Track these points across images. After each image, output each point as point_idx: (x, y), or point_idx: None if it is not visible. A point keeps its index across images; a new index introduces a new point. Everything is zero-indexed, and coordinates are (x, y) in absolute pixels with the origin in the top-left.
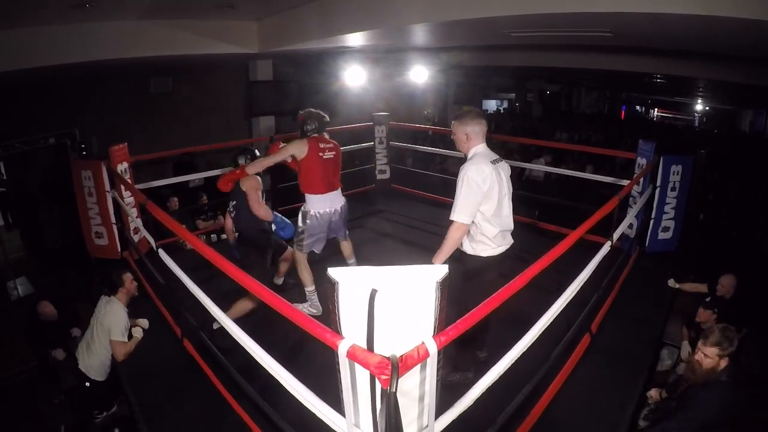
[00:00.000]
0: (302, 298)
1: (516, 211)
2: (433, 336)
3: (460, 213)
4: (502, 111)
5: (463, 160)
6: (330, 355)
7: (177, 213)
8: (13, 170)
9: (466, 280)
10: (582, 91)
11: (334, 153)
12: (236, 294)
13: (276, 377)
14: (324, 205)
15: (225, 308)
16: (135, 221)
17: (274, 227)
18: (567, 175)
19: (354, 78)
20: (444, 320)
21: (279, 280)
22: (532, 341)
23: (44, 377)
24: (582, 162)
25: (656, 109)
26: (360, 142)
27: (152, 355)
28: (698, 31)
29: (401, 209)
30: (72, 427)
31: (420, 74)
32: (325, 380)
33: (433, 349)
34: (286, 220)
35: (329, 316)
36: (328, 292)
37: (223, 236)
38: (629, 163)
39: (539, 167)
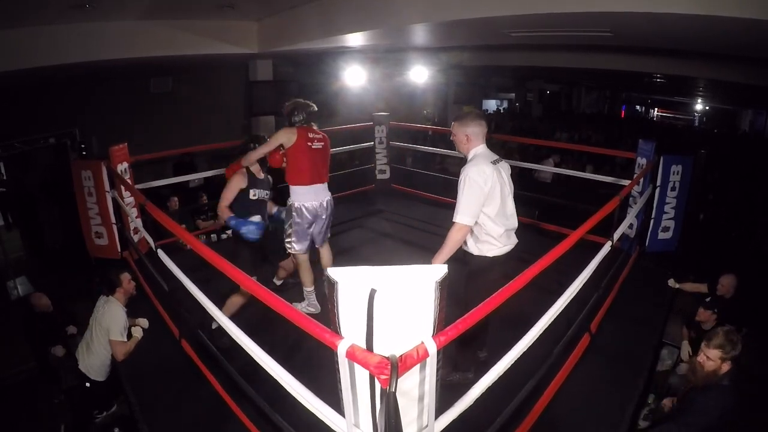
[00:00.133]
0: (302, 298)
1: (516, 211)
2: (433, 336)
3: (462, 214)
4: (502, 111)
5: (463, 161)
6: (329, 355)
7: (177, 213)
8: (13, 170)
9: (471, 280)
10: (582, 90)
11: (322, 144)
12: (235, 293)
13: (275, 377)
14: (310, 197)
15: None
16: (135, 221)
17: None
18: (567, 175)
19: (354, 78)
20: (443, 320)
21: (278, 281)
22: (532, 341)
23: (44, 377)
24: (582, 162)
25: (656, 109)
26: (360, 142)
27: (152, 355)
28: (698, 31)
29: (401, 209)
30: (72, 427)
31: (420, 74)
32: (325, 380)
33: (432, 349)
34: (254, 222)
35: (329, 316)
36: (327, 292)
37: (223, 236)
38: (629, 163)
39: (548, 168)
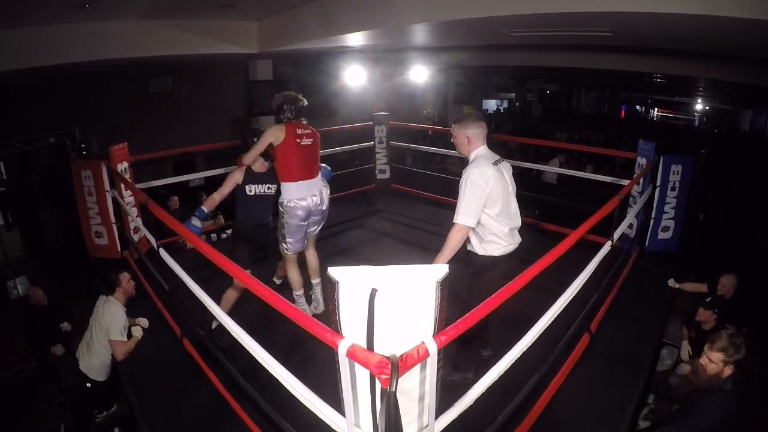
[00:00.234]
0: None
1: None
2: (433, 336)
3: (463, 215)
4: (502, 111)
5: (463, 161)
6: (330, 354)
7: (177, 212)
8: (13, 170)
9: (475, 279)
10: (582, 90)
11: (311, 140)
12: None
13: (276, 376)
14: (301, 192)
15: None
16: (135, 221)
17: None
18: (568, 175)
19: (354, 78)
20: (444, 320)
21: (278, 280)
22: (532, 341)
23: (44, 377)
24: (582, 162)
25: (656, 109)
26: (360, 142)
27: (152, 354)
28: (698, 31)
29: (401, 209)
30: (72, 427)
31: (420, 74)
32: (325, 380)
33: (432, 348)
34: (193, 226)
35: (329, 316)
36: (328, 291)
37: (223, 236)
38: (629, 162)
39: (549, 168)
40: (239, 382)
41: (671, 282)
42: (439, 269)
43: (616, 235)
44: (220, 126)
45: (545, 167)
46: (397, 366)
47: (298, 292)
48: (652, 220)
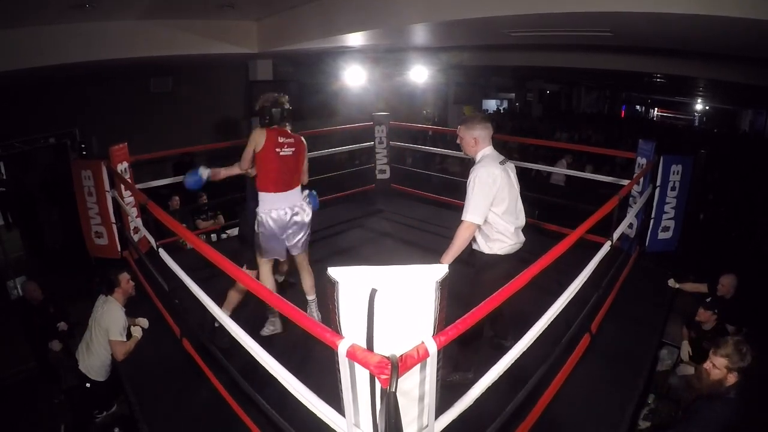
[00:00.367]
0: (303, 298)
1: None
2: (433, 336)
3: (471, 213)
4: (502, 111)
5: (464, 161)
6: (330, 354)
7: (177, 212)
8: (13, 170)
9: (479, 277)
10: (582, 90)
11: (293, 150)
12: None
13: (276, 377)
14: (276, 204)
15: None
16: (135, 221)
17: None
18: (568, 175)
19: (354, 78)
20: (444, 320)
21: (280, 278)
22: (532, 341)
23: (44, 377)
24: (582, 162)
25: (656, 109)
26: (360, 142)
27: (152, 354)
28: (698, 31)
29: (401, 209)
30: (72, 427)
31: (420, 74)
32: (325, 380)
33: (432, 348)
34: (193, 174)
35: (329, 316)
36: (328, 291)
37: (223, 236)
38: (629, 162)
39: (553, 169)
40: (239, 383)
41: (671, 282)
42: (439, 269)
43: (616, 235)
44: (220, 126)
45: (552, 168)
46: (396, 366)
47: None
48: (652, 220)
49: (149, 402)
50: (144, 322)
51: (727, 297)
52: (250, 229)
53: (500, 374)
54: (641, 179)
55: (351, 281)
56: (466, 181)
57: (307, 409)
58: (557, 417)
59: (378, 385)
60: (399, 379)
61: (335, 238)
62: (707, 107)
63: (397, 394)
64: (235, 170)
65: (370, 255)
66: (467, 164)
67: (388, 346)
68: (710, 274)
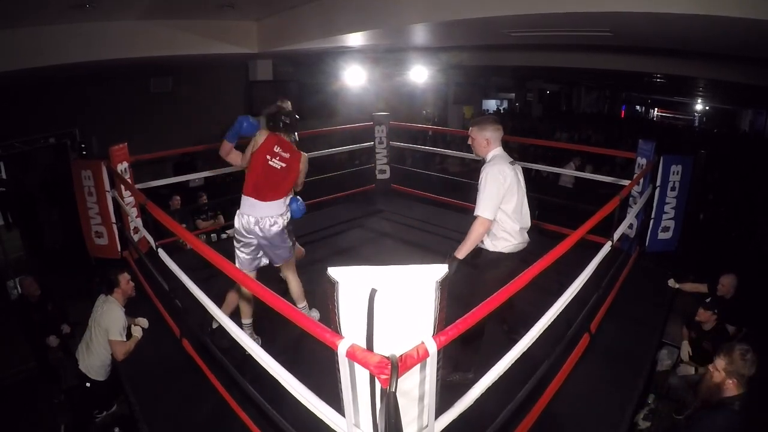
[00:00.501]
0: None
1: None
2: (433, 336)
3: (484, 209)
4: (502, 111)
5: (463, 160)
6: (330, 354)
7: (178, 213)
8: (13, 170)
9: (481, 275)
10: (582, 90)
11: (285, 164)
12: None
13: (275, 377)
14: (246, 209)
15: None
16: (135, 221)
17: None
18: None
19: (354, 78)
20: (444, 320)
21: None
22: (532, 341)
23: (44, 377)
24: (582, 162)
25: (656, 109)
26: (360, 142)
27: (152, 354)
28: (698, 31)
29: (401, 209)
30: (72, 427)
31: (420, 74)
32: (325, 380)
33: (432, 348)
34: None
35: (329, 316)
36: (327, 291)
37: (223, 236)
38: (629, 163)
39: (561, 171)
40: (239, 382)
41: (671, 282)
42: (439, 269)
43: (616, 235)
44: (220, 126)
45: (552, 168)
46: (396, 366)
47: (246, 321)
48: (652, 221)
49: (149, 402)
50: (144, 322)
51: (727, 297)
52: None
53: (500, 374)
54: (641, 179)
55: (351, 281)
56: (465, 181)
57: (307, 409)
58: (557, 417)
59: (378, 385)
60: (399, 379)
61: (335, 238)
62: (707, 107)
63: (397, 394)
64: (237, 159)
65: (370, 255)
66: (467, 164)
67: (388, 346)
68: (710, 274)
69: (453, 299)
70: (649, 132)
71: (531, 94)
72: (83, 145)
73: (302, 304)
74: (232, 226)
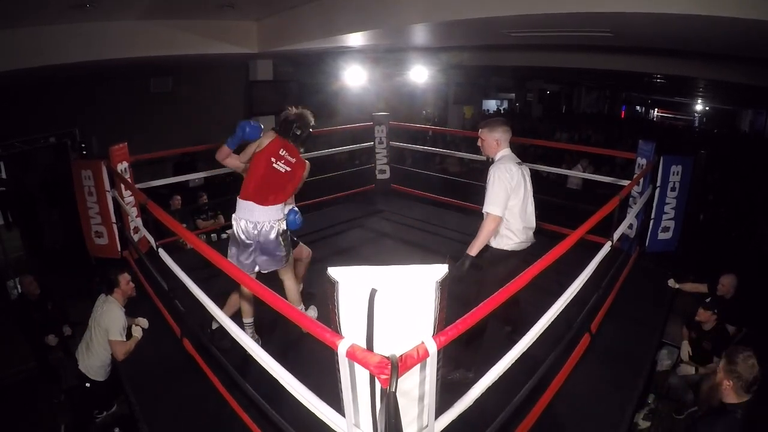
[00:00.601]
0: (307, 299)
1: None
2: (433, 336)
3: (492, 205)
4: (502, 111)
5: (463, 160)
6: (330, 354)
7: (178, 212)
8: (13, 170)
9: (483, 272)
10: (582, 91)
11: (289, 169)
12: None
13: (276, 377)
14: (244, 214)
15: (223, 307)
16: (135, 221)
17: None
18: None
19: (354, 78)
20: (444, 320)
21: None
22: (532, 341)
23: (44, 377)
24: (590, 164)
25: (656, 109)
26: (360, 142)
27: (152, 354)
28: (698, 31)
29: (401, 209)
30: (72, 427)
31: (420, 74)
32: (325, 380)
33: (432, 348)
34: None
35: (329, 316)
36: (327, 291)
37: (223, 236)
38: (629, 163)
39: (576, 174)
40: (239, 382)
41: (671, 282)
42: (439, 269)
43: (616, 235)
44: (220, 126)
45: (551, 169)
46: (396, 366)
47: (247, 320)
48: (652, 221)
49: (149, 402)
50: (144, 322)
51: (727, 297)
52: None
53: (500, 374)
54: (641, 180)
55: (351, 281)
56: (465, 182)
57: (307, 409)
58: (557, 417)
59: (378, 385)
60: (399, 379)
61: (335, 238)
62: (707, 107)
63: (397, 394)
64: (235, 162)
65: (370, 255)
66: (467, 164)
67: (388, 346)
68: (710, 274)
69: (452, 299)
70: (649, 132)
71: (531, 94)
72: (83, 145)
73: (298, 307)
74: (231, 226)
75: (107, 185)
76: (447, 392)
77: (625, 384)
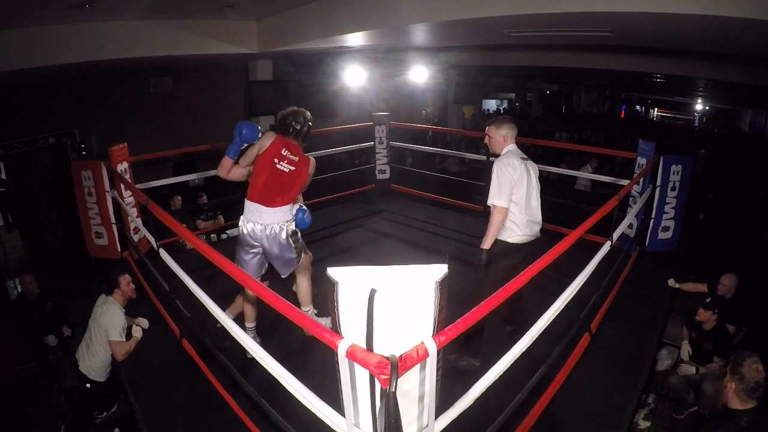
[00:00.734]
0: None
1: None
2: (433, 336)
3: (497, 198)
4: (501, 111)
5: (463, 160)
6: (329, 354)
7: (178, 212)
8: (13, 170)
9: (486, 265)
10: (582, 90)
11: (293, 168)
12: (236, 293)
13: (276, 377)
14: (252, 216)
15: (225, 308)
16: (135, 221)
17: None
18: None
19: (354, 78)
20: (444, 320)
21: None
22: (532, 341)
23: (44, 377)
24: (582, 162)
25: (656, 109)
26: (360, 142)
27: (152, 355)
28: (698, 31)
29: (401, 209)
30: (72, 427)
31: (420, 74)
32: (325, 380)
33: (432, 348)
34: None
35: (329, 316)
36: (327, 291)
37: (224, 236)
38: (629, 162)
39: (585, 175)
40: (239, 382)
41: (671, 282)
42: (439, 269)
43: (616, 235)
44: (220, 126)
45: (579, 173)
46: (396, 366)
47: (249, 325)
48: (652, 220)
49: (149, 402)
50: (144, 322)
51: (727, 297)
52: None
53: (500, 374)
54: (641, 179)
55: (351, 281)
56: (465, 181)
57: (307, 409)
58: (557, 417)
59: (378, 385)
60: (399, 379)
61: (335, 238)
62: (707, 107)
63: (397, 394)
64: (239, 173)
65: (370, 255)
66: (467, 164)
67: (388, 346)
68: (710, 274)
69: (452, 299)
70: (649, 132)
71: (531, 94)
72: (83, 146)
73: (307, 307)
74: (232, 226)
75: (107, 186)
76: (447, 392)
77: (625, 384)
